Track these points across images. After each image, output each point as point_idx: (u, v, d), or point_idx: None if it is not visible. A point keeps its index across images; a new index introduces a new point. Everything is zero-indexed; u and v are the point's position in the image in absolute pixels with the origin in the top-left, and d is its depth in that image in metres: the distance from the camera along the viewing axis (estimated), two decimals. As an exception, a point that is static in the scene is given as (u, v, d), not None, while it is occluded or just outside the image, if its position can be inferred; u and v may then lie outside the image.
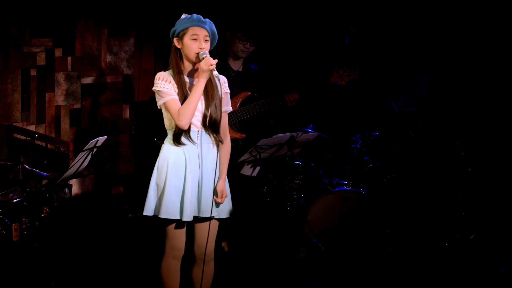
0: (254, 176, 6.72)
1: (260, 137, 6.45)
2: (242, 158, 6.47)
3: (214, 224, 5.05)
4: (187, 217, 4.87)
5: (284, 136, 6.51)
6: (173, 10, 7.46)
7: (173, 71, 4.92)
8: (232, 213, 5.11)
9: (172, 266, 5.02)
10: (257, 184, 7.12)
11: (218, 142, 4.97)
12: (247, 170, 6.65)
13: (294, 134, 6.55)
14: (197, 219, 4.99)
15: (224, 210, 5.05)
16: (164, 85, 4.85)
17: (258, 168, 6.67)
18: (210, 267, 5.12)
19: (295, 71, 8.02)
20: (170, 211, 4.86)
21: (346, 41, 7.27)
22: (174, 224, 4.93)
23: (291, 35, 8.17)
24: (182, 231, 4.98)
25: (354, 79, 6.82)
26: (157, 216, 4.91)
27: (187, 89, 4.89)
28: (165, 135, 5.00)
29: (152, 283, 6.11)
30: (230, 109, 5.06)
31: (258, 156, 6.52)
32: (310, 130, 6.89)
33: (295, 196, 7.11)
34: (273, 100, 6.70)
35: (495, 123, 7.64)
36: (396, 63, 8.00)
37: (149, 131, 6.58)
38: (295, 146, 6.68)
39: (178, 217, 4.87)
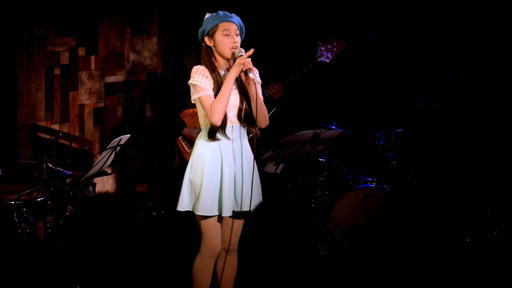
0: (278, 173, 6.71)
1: (283, 134, 6.43)
2: (266, 156, 6.46)
3: (241, 218, 5.03)
4: (227, 212, 4.82)
5: (308, 133, 6.50)
6: (196, 8, 7.47)
7: (207, 69, 4.82)
8: (261, 207, 5.07)
9: (207, 265, 4.97)
10: (281, 182, 7.10)
11: (255, 134, 4.92)
12: (270, 168, 6.64)
13: (318, 131, 6.53)
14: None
15: (259, 203, 5.01)
16: (201, 79, 4.77)
17: (281, 166, 6.66)
18: (233, 258, 5.10)
19: (276, 60, 7.64)
20: (208, 208, 4.81)
21: (370, 38, 7.24)
22: (210, 222, 4.87)
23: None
24: (218, 230, 4.94)
25: (339, 52, 6.58)
26: (194, 212, 4.86)
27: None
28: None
29: (177, 281, 6.12)
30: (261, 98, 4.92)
31: (281, 153, 6.51)
32: (333, 127, 6.86)
33: (319, 193, 7.09)
34: None
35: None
36: (419, 60, 7.96)
37: (171, 129, 6.57)
38: (319, 143, 6.67)
39: (216, 213, 4.82)
